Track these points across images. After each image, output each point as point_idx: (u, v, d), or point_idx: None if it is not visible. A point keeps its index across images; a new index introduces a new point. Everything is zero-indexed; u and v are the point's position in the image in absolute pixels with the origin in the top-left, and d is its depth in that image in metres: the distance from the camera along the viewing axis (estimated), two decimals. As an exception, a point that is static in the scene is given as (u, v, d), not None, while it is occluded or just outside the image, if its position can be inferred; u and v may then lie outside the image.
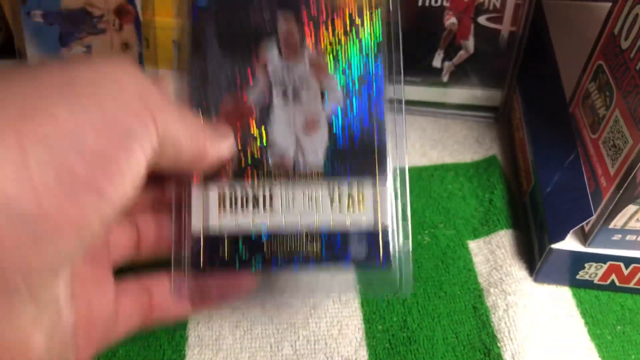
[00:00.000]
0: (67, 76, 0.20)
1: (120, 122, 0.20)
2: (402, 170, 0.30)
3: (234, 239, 0.28)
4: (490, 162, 0.49)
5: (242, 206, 0.28)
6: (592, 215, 0.37)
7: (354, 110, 0.30)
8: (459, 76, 0.51)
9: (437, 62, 0.51)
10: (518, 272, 0.41)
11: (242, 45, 0.30)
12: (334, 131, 0.30)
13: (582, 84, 0.43)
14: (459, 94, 0.52)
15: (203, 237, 0.28)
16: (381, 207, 0.29)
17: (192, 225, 0.28)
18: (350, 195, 0.29)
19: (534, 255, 0.41)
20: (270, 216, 0.28)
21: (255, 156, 0.29)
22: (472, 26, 0.49)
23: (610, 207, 0.37)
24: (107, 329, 0.27)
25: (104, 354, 0.36)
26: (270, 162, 0.29)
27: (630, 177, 0.35)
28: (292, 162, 0.29)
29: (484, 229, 0.44)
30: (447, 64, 0.51)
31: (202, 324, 0.38)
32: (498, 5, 0.48)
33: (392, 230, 0.29)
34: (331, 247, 0.28)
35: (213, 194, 0.28)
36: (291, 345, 0.37)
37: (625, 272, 0.39)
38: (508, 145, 0.51)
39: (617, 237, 0.38)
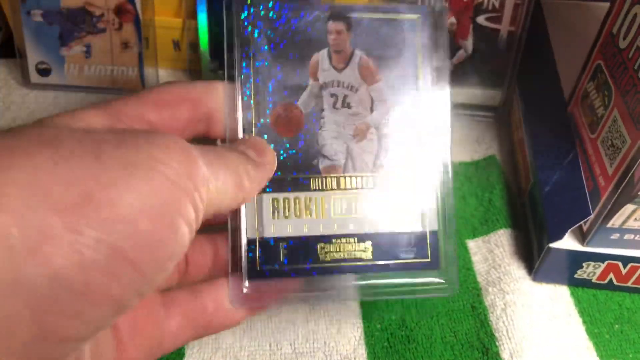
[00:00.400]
0: (124, 159, 0.21)
1: (169, 203, 0.21)
2: (447, 171, 0.31)
3: (288, 243, 0.28)
4: (489, 161, 0.49)
5: (294, 212, 0.29)
6: (591, 214, 0.37)
7: (400, 118, 0.30)
8: (458, 76, 0.51)
9: (436, 62, 0.51)
10: (516, 271, 0.41)
11: (294, 55, 0.30)
12: (382, 138, 0.30)
13: (580, 83, 0.43)
14: (458, 94, 0.52)
15: (258, 243, 0.28)
16: (428, 210, 0.29)
17: (247, 231, 0.28)
18: (397, 198, 0.29)
19: (532, 255, 0.41)
20: (323, 221, 0.29)
21: (306, 162, 0.29)
22: (471, 26, 0.49)
23: (609, 207, 0.37)
24: (152, 349, 0.27)
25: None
26: (320, 167, 0.30)
27: (629, 176, 0.35)
28: (342, 168, 0.30)
29: (482, 228, 0.44)
30: (446, 63, 0.51)
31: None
32: (497, 5, 0.48)
33: (439, 231, 0.30)
34: (381, 250, 0.29)
35: (266, 200, 0.29)
36: (290, 344, 0.37)
37: (623, 271, 0.39)
38: (507, 144, 0.51)
39: (615, 236, 0.38)
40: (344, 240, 0.29)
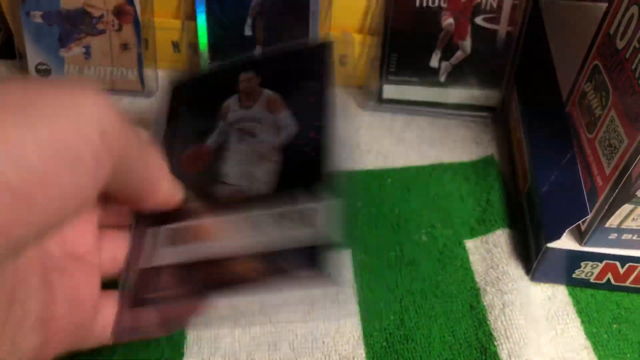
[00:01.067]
0: (27, 98, 0.21)
1: (70, 148, 0.21)
2: (338, 177, 0.30)
3: (177, 269, 0.28)
4: (487, 161, 0.49)
5: (186, 239, 0.29)
6: (588, 214, 0.38)
7: (305, 137, 0.31)
8: (456, 76, 0.52)
9: (434, 63, 0.51)
10: (515, 271, 0.41)
11: (207, 104, 0.33)
12: (284, 159, 0.31)
13: (578, 84, 0.43)
14: (456, 94, 0.52)
15: (145, 271, 0.28)
16: (321, 222, 0.28)
17: (140, 259, 0.29)
18: (292, 214, 0.29)
19: (530, 255, 0.41)
20: (214, 244, 0.29)
21: (206, 191, 0.30)
22: (470, 26, 0.50)
23: (606, 206, 0.37)
24: (82, 330, 0.27)
25: (103, 353, 0.36)
26: (219, 194, 0.31)
27: (626, 176, 0.35)
28: (243, 192, 0.31)
29: (481, 228, 0.44)
30: (444, 64, 0.51)
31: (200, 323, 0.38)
32: (495, 5, 0.48)
33: (331, 239, 0.28)
34: (272, 264, 0.28)
35: (163, 232, 0.29)
36: (289, 344, 0.37)
37: (621, 271, 0.39)
38: (505, 145, 0.51)
39: (613, 236, 0.38)
40: (235, 259, 0.28)
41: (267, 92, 0.34)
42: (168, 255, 0.29)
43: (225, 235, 0.29)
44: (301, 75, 0.33)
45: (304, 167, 0.30)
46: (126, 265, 0.29)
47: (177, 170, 0.30)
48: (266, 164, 0.31)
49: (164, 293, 0.28)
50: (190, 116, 0.34)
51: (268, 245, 0.28)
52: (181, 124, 0.33)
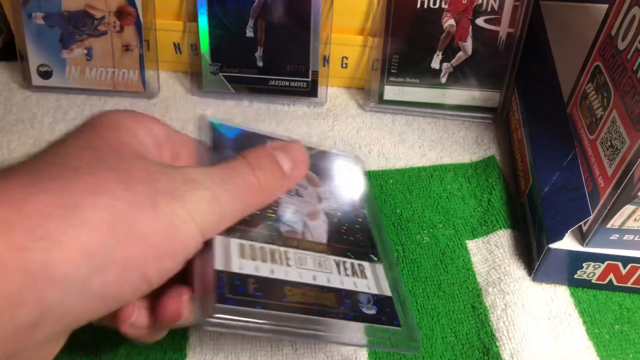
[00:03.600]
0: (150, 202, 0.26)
1: (168, 240, 0.27)
2: (387, 247, 0.37)
3: (256, 280, 0.30)
4: (488, 162, 0.49)
5: (260, 257, 0.31)
6: (590, 215, 0.38)
7: (344, 215, 0.37)
8: (457, 77, 0.52)
9: (435, 64, 0.51)
10: (516, 271, 0.41)
11: None
12: (332, 224, 0.35)
13: (579, 84, 0.43)
14: (457, 95, 0.52)
15: (227, 274, 0.29)
16: (380, 280, 0.34)
17: (217, 262, 0.29)
18: (352, 265, 0.33)
19: (532, 255, 0.41)
20: (287, 269, 0.31)
21: (269, 227, 0.33)
22: (471, 28, 0.50)
23: (608, 207, 0.37)
24: None
25: (106, 353, 0.36)
26: (282, 231, 0.33)
27: (628, 177, 0.35)
28: (301, 235, 0.34)
29: (482, 228, 0.44)
30: (445, 65, 0.51)
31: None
32: (496, 7, 0.48)
33: (394, 297, 0.33)
34: (343, 302, 0.31)
35: (234, 243, 0.31)
36: (291, 345, 0.37)
37: (623, 271, 0.39)
38: (506, 146, 0.51)
39: (615, 236, 0.38)
40: (308, 288, 0.31)
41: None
42: (247, 266, 0.30)
43: (293, 264, 0.32)
44: (335, 171, 0.39)
45: (349, 234, 0.35)
46: (202, 263, 0.29)
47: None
48: (317, 221, 0.35)
49: (252, 299, 0.29)
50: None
51: (338, 285, 0.32)
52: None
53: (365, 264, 0.34)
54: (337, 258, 0.33)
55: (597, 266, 0.39)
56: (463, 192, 0.47)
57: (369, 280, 0.33)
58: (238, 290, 0.28)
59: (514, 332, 0.38)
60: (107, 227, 0.24)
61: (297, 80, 0.53)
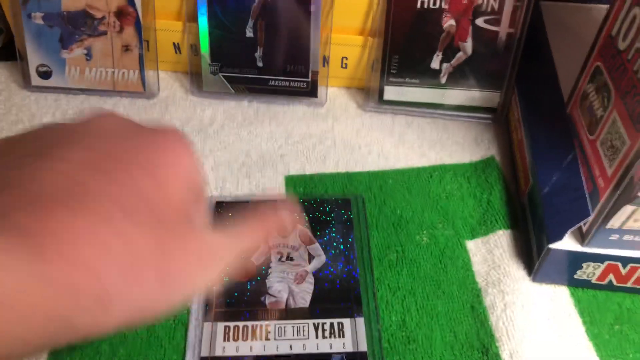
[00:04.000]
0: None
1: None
2: (373, 301, 0.39)
3: None
4: (488, 162, 0.49)
5: (242, 336, 0.37)
6: (590, 215, 0.38)
7: (334, 268, 0.41)
8: (457, 78, 0.52)
9: (435, 64, 0.51)
10: (516, 272, 0.41)
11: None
12: (318, 282, 0.40)
13: (579, 85, 0.43)
14: (457, 95, 0.52)
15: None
16: (358, 335, 0.37)
17: (202, 351, 0.36)
18: (331, 325, 0.38)
19: (532, 255, 0.41)
20: (265, 342, 0.37)
21: (255, 299, 0.39)
22: (471, 28, 0.50)
23: (608, 208, 0.37)
24: None
25: (105, 352, 0.36)
26: (266, 303, 0.39)
27: (628, 177, 0.35)
28: (284, 303, 0.39)
29: (482, 229, 0.44)
30: (445, 65, 0.51)
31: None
32: (496, 7, 0.48)
33: (369, 354, 0.37)
34: None
35: (220, 327, 0.37)
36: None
37: (623, 271, 0.39)
38: (506, 146, 0.51)
39: (614, 237, 0.38)
40: (283, 358, 0.36)
41: (299, 227, 0.43)
42: (228, 347, 0.36)
43: (272, 337, 0.37)
44: (328, 220, 0.44)
45: (333, 289, 0.40)
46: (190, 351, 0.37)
47: (228, 276, 0.35)
48: (303, 284, 0.40)
49: None
50: None
51: (314, 349, 0.37)
52: None
53: (346, 320, 0.38)
54: (317, 321, 0.38)
55: (596, 266, 0.39)
56: (463, 192, 0.47)
57: (346, 338, 0.37)
58: None
59: (514, 332, 0.38)
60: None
61: (297, 81, 0.53)
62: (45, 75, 0.53)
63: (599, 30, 0.41)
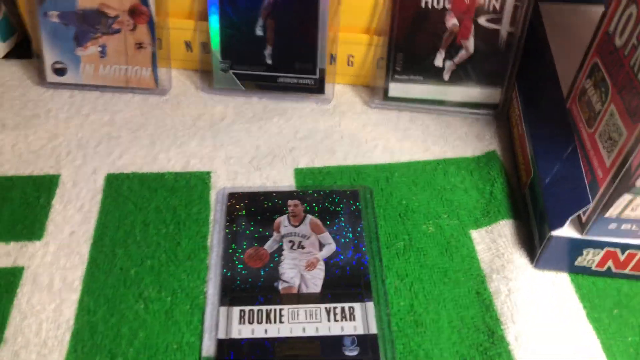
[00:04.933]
0: None
1: None
2: (384, 293, 0.41)
3: (250, 342, 0.38)
4: (490, 156, 0.51)
5: (257, 319, 0.39)
6: (590, 202, 0.39)
7: (344, 255, 0.42)
8: (459, 75, 0.53)
9: (438, 62, 0.53)
10: (519, 259, 0.43)
11: (263, 216, 0.45)
12: (329, 269, 0.42)
13: (578, 81, 0.45)
14: (460, 92, 0.54)
15: (227, 342, 0.38)
16: (368, 318, 0.39)
17: (219, 333, 0.38)
18: (342, 309, 0.39)
19: (534, 243, 0.43)
20: (279, 325, 0.38)
21: (269, 285, 0.41)
22: (473, 27, 0.51)
23: (607, 197, 0.38)
24: None
25: (126, 335, 0.38)
26: (280, 288, 0.40)
27: (626, 167, 0.37)
28: (297, 290, 0.40)
29: (485, 219, 0.46)
30: (448, 63, 0.53)
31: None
32: (497, 6, 0.50)
33: (379, 335, 0.38)
34: (326, 350, 0.37)
35: (235, 311, 0.39)
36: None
37: (622, 257, 0.41)
38: (507, 140, 0.53)
39: (613, 226, 0.40)
40: (296, 340, 0.38)
41: (310, 216, 0.45)
42: (244, 330, 0.38)
43: (286, 320, 0.39)
44: (337, 210, 0.45)
45: (344, 275, 0.41)
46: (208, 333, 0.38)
47: (243, 261, 0.42)
48: (314, 270, 0.41)
49: (246, 358, 0.37)
50: (249, 222, 0.45)
51: (326, 332, 0.38)
52: (241, 227, 0.44)
53: (356, 305, 0.39)
54: (328, 305, 0.39)
55: (596, 253, 0.41)
56: (466, 185, 0.48)
57: (357, 321, 0.39)
58: (237, 355, 0.37)
59: (518, 316, 0.39)
60: None
61: (305, 78, 0.54)
62: (60, 72, 0.54)
63: (597, 28, 0.43)
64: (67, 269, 0.41)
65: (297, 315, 0.39)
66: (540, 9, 0.57)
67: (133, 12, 0.52)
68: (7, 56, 0.58)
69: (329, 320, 0.39)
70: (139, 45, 0.53)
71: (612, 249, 0.40)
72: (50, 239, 0.43)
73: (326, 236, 0.44)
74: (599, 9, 0.43)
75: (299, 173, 0.49)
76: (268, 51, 0.53)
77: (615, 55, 0.40)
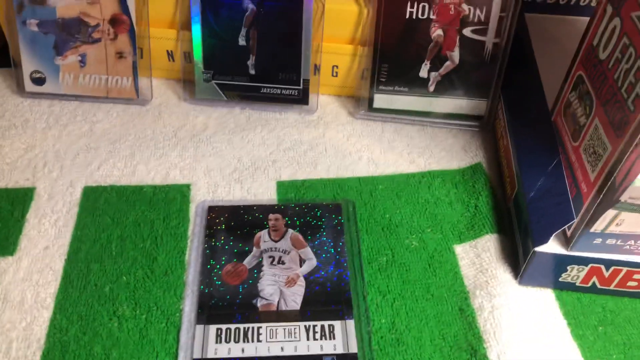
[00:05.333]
0: None
1: None
2: (364, 302, 0.40)
3: None
4: (475, 169, 0.50)
5: (234, 338, 0.38)
6: (574, 218, 0.39)
7: (325, 271, 0.42)
8: (445, 86, 0.53)
9: (423, 73, 0.53)
10: (503, 275, 0.42)
11: (242, 231, 0.44)
12: (309, 285, 0.41)
13: (563, 93, 0.45)
14: (445, 104, 0.54)
15: None
16: (348, 337, 0.38)
17: (194, 353, 0.37)
18: (322, 327, 0.38)
19: (518, 259, 0.42)
20: (257, 344, 0.37)
21: (247, 302, 0.39)
22: (458, 38, 0.51)
23: (591, 212, 0.38)
24: None
25: (98, 355, 0.37)
26: (258, 305, 0.39)
27: (610, 182, 0.36)
28: (276, 306, 0.39)
29: (469, 233, 0.45)
30: (433, 74, 0.52)
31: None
32: (482, 18, 0.50)
33: (360, 356, 0.37)
34: None
35: (212, 330, 0.38)
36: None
37: (606, 274, 0.40)
38: (493, 153, 0.52)
39: (597, 240, 0.39)
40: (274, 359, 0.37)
41: (291, 231, 0.44)
42: (220, 349, 0.37)
43: (264, 338, 0.38)
44: (319, 224, 0.44)
45: (324, 292, 0.40)
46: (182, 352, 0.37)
47: (220, 279, 0.41)
48: (294, 287, 0.40)
49: None
50: (228, 237, 0.44)
51: (304, 351, 0.37)
52: (220, 241, 0.43)
53: (336, 322, 0.39)
54: (307, 323, 0.39)
55: (581, 269, 0.40)
56: (451, 198, 0.48)
57: (336, 340, 0.38)
58: None
59: (501, 334, 0.39)
60: None
61: (289, 88, 0.54)
62: (39, 81, 0.53)
63: (581, 41, 0.42)
64: (39, 285, 0.40)
65: (276, 333, 0.38)
66: (526, 20, 0.57)
67: (114, 21, 0.51)
68: (-14, 65, 0.57)
69: (308, 339, 0.38)
70: (120, 55, 0.52)
71: (596, 265, 0.40)
72: (23, 254, 0.42)
73: (307, 251, 0.43)
74: (585, 20, 0.42)
75: (281, 186, 0.48)
76: (251, 61, 0.53)
77: (599, 68, 0.39)
